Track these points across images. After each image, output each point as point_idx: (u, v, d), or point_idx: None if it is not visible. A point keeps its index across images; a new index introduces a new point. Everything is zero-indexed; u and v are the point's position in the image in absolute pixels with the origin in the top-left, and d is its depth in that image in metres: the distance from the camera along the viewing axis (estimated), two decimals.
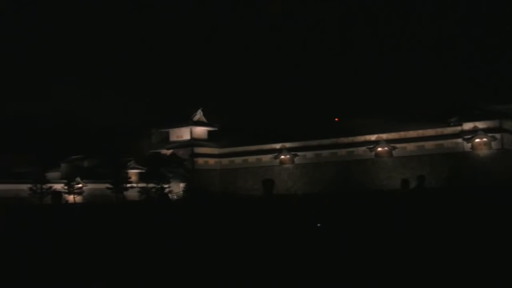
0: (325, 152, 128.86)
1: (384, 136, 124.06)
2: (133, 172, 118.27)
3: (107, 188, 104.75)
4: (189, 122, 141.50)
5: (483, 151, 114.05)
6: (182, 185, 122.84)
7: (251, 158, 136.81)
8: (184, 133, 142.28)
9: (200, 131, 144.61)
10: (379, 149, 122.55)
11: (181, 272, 18.56)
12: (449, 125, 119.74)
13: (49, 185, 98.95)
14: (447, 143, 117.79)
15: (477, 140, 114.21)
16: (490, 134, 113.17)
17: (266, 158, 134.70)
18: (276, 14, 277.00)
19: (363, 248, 20.97)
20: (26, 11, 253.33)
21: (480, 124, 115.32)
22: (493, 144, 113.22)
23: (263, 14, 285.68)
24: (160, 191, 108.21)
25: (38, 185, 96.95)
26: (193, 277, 17.63)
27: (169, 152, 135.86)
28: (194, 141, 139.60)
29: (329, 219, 32.78)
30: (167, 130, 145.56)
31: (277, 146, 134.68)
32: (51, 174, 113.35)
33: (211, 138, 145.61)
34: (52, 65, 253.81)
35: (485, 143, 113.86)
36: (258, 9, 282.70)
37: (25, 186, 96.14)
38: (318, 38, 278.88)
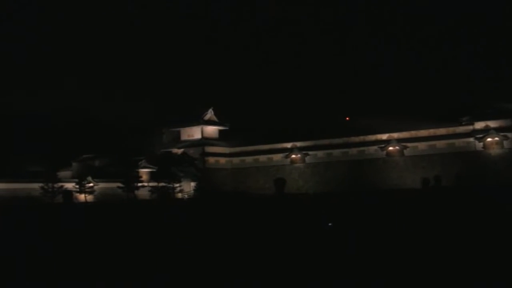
0: (336, 151, 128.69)
1: (395, 135, 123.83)
2: (144, 171, 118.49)
3: (118, 187, 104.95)
4: (200, 121, 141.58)
5: (494, 150, 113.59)
6: (193, 184, 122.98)
7: (262, 157, 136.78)
8: (195, 132, 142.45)
9: (211, 130, 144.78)
10: (390, 148, 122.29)
11: (189, 271, 18.52)
12: (460, 124, 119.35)
13: (60, 184, 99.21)
14: (458, 142, 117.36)
15: (489, 139, 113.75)
16: (502, 133, 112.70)
17: (277, 157, 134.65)
18: (279, 12, 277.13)
19: (376, 248, 20.85)
20: (26, 11, 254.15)
21: (492, 123, 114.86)
22: (505, 143, 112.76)
23: (263, 14, 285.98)
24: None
25: (50, 184, 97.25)
26: (201, 277, 17.59)
27: (180, 151, 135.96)
28: (205, 140, 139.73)
29: (343, 218, 32.53)
30: (178, 129, 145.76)
31: (288, 145, 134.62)
32: (62, 173, 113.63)
33: (222, 137, 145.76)
34: (60, 64, 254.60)
35: (497, 142, 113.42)
36: (258, 8, 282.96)
37: (36, 185, 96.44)
38: (323, 37, 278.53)
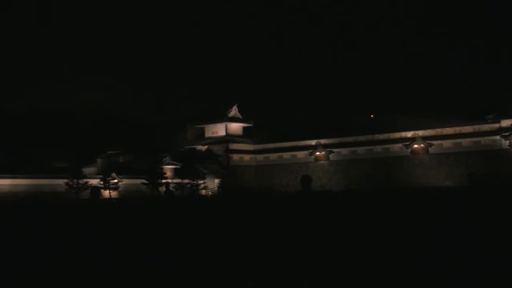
0: (360, 149, 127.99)
1: (420, 132, 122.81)
2: (168, 168, 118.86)
3: (143, 183, 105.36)
4: (225, 118, 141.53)
5: None
6: (217, 181, 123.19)
7: (286, 155, 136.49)
8: (219, 129, 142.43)
9: (235, 127, 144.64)
10: (415, 146, 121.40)
11: (207, 269, 18.45)
12: (486, 122, 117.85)
13: (85, 180, 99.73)
14: (484, 140, 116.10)
15: None
16: None
17: (301, 154, 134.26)
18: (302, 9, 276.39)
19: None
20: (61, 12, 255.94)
21: None
22: None
23: (290, 10, 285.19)
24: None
25: (75, 180, 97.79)
26: (210, 275, 17.50)
27: (204, 148, 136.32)
28: (229, 137, 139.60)
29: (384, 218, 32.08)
30: (202, 126, 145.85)
31: (312, 142, 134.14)
32: (87, 169, 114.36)
33: (246, 134, 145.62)
34: (87, 63, 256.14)
35: None
36: (285, 4, 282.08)
37: (61, 181, 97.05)
38: (348, 33, 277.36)
